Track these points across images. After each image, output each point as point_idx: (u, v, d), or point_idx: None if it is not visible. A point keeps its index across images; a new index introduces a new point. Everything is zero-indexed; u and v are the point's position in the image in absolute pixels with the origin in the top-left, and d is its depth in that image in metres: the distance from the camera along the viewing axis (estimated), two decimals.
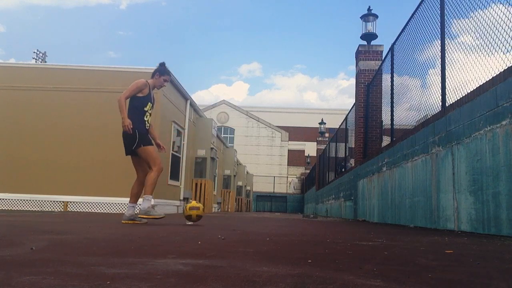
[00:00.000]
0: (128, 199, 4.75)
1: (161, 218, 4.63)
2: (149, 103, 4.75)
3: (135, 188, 4.75)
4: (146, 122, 4.73)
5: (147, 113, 4.73)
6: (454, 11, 4.73)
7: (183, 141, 11.67)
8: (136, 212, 4.74)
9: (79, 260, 1.63)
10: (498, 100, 3.62)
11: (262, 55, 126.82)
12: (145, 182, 4.58)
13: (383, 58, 9.08)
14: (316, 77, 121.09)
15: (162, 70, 4.87)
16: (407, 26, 6.69)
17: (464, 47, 4.51)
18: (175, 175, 11.06)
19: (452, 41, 4.90)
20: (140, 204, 4.70)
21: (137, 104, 4.68)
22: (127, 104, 4.66)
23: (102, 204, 9.19)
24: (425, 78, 5.95)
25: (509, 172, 3.40)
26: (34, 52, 26.31)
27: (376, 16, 9.98)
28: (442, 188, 4.79)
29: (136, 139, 4.56)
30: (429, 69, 5.82)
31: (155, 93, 5.10)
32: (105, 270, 1.39)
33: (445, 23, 5.05)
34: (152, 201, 4.65)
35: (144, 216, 4.52)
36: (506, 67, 3.55)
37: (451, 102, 4.70)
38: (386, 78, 8.36)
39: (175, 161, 11.09)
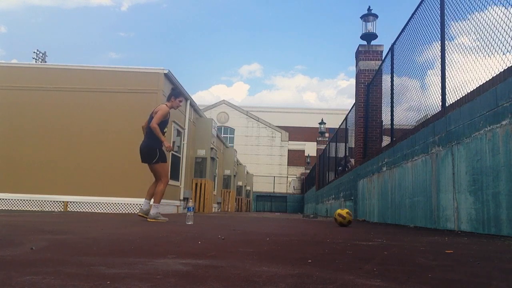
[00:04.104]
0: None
1: (165, 221, 5.20)
2: (167, 125, 5.63)
3: (151, 188, 5.52)
4: None
5: (165, 133, 5.54)
6: (454, 11, 4.73)
7: (183, 141, 11.67)
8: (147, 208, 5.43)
9: (79, 260, 1.63)
10: (498, 100, 3.62)
11: (262, 56, 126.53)
12: (155, 192, 5.39)
13: (383, 58, 9.08)
14: (316, 77, 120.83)
15: (176, 93, 5.66)
16: (407, 26, 6.69)
17: (464, 48, 4.51)
18: (175, 175, 11.05)
19: (452, 42, 4.90)
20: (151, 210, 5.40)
21: (161, 127, 5.43)
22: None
23: (102, 204, 9.18)
24: (425, 78, 5.95)
25: (509, 172, 3.41)
26: (34, 52, 26.29)
27: (376, 16, 9.98)
28: (442, 188, 4.79)
29: (157, 156, 5.40)
30: (429, 69, 5.82)
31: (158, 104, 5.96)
32: (105, 270, 1.39)
33: (445, 23, 5.05)
34: (159, 208, 5.41)
35: (152, 220, 5.13)
36: (506, 67, 3.55)
37: (451, 102, 4.70)
38: (386, 78, 8.36)
39: (175, 161, 11.08)
